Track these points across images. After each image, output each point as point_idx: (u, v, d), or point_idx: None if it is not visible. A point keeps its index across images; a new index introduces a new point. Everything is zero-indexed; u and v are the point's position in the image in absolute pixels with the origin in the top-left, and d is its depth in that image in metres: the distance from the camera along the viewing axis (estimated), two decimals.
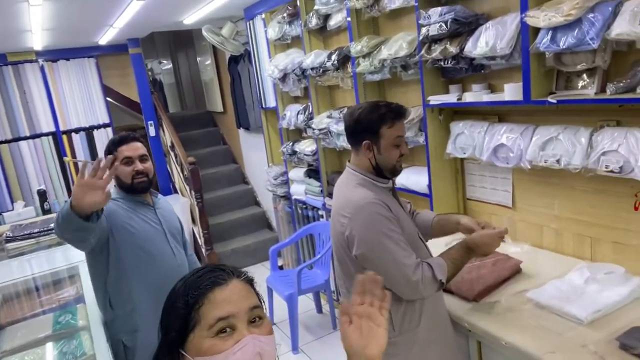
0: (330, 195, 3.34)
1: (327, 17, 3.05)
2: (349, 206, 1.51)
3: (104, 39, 4.93)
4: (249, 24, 4.05)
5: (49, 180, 5.27)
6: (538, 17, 1.65)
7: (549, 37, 1.64)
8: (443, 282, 1.47)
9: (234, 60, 4.97)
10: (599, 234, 1.91)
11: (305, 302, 3.80)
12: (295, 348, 3.25)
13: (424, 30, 2.18)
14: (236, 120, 5.29)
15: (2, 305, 2.57)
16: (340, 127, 2.81)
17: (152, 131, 5.44)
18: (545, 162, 1.86)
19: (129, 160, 1.91)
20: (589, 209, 1.92)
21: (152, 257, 1.93)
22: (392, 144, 1.55)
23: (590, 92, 1.69)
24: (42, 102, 5.19)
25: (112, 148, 1.93)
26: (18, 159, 5.15)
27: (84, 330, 1.97)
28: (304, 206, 3.84)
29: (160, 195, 2.14)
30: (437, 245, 1.85)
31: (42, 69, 5.15)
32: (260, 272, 4.55)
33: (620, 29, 1.46)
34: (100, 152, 5.50)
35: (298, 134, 3.89)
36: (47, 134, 5.25)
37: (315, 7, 3.03)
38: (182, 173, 5.05)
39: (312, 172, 3.61)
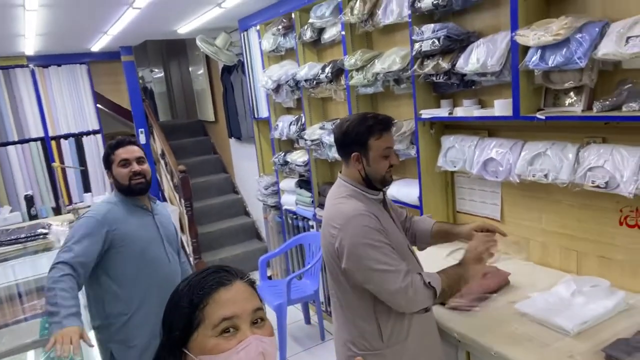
0: (321, 205, 3.36)
1: (321, 30, 3.10)
2: (339, 217, 1.52)
3: (96, 46, 4.93)
4: (244, 35, 4.09)
5: (36, 186, 5.22)
6: (528, 36, 1.70)
7: (538, 55, 1.69)
8: (436, 291, 1.47)
9: (227, 70, 5.00)
10: (585, 248, 1.95)
11: (294, 313, 3.79)
12: (282, 359, 3.23)
13: (416, 45, 2.23)
14: (228, 130, 5.30)
15: None
16: (332, 138, 2.84)
17: (142, 139, 5.42)
18: (533, 177, 1.90)
19: (126, 163, 1.93)
20: (575, 223, 1.97)
21: (150, 264, 1.94)
22: (380, 155, 1.56)
23: (578, 109, 1.75)
24: (31, 107, 5.16)
25: (109, 152, 1.96)
26: (5, 164, 5.09)
27: None
28: (295, 216, 3.85)
29: (158, 202, 2.15)
30: (433, 258, 1.87)
31: (32, 74, 5.13)
32: None
33: (607, 49, 1.52)
34: (89, 158, 5.48)
35: (290, 144, 3.91)
36: (35, 139, 5.22)
37: (310, 21, 3.07)
38: (172, 181, 5.04)
39: (304, 183, 3.63)
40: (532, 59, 1.71)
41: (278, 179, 3.97)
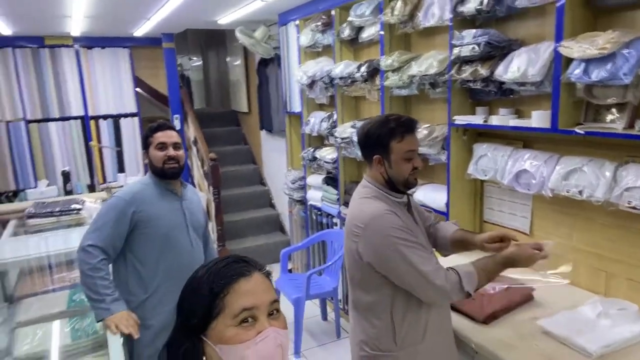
0: (346, 204, 3.36)
1: (360, 29, 3.09)
2: (363, 217, 1.52)
3: (139, 31, 5.06)
4: (282, 29, 4.12)
5: (73, 163, 5.39)
6: (572, 48, 1.66)
7: (581, 68, 1.65)
8: (470, 293, 1.45)
9: (264, 63, 5.04)
10: (615, 269, 1.89)
11: (312, 308, 3.81)
12: (297, 352, 3.26)
13: (456, 50, 2.20)
14: (260, 121, 5.36)
15: (19, 279, 2.65)
16: None
17: (177, 125, 5.53)
18: (567, 192, 1.85)
19: (162, 146, 1.99)
20: (607, 243, 1.91)
21: (172, 247, 1.99)
22: (402, 158, 1.54)
23: (619, 126, 1.69)
24: (74, 87, 5.33)
25: (149, 134, 2.03)
26: (46, 139, 5.28)
27: None
28: (319, 212, 3.87)
29: (189, 187, 2.19)
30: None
31: (77, 54, 5.30)
32: None
33: None
34: (126, 140, 5.63)
35: (320, 140, 3.92)
36: (75, 118, 5.38)
37: (349, 19, 3.07)
38: (202, 168, 5.13)
39: (331, 180, 3.64)
40: (575, 72, 1.66)
41: (305, 174, 3.99)
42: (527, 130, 2.00)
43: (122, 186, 3.88)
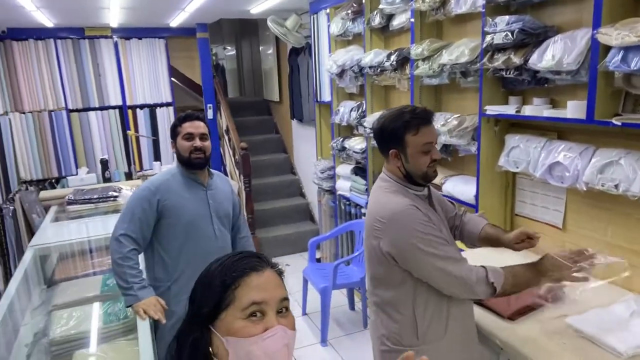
0: None
1: (390, 16, 3.04)
2: (384, 212, 1.50)
3: (174, 22, 5.15)
4: (313, 18, 4.10)
5: (111, 151, 5.58)
6: (610, 35, 1.57)
7: (620, 56, 1.56)
8: (496, 290, 1.43)
9: (295, 52, 5.04)
10: None
11: (339, 297, 3.83)
12: (324, 340, 3.29)
13: (488, 38, 2.13)
14: (290, 111, 5.38)
15: (58, 263, 2.78)
16: None
17: (210, 114, 5.62)
18: (602, 186, 1.78)
19: (190, 137, 2.03)
20: None
21: (195, 236, 2.03)
22: (419, 152, 1.50)
23: None
24: (112, 77, 5.50)
25: (177, 123, 2.07)
26: (86, 128, 5.48)
27: None
28: (348, 202, 3.87)
29: (219, 176, 2.21)
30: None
31: (115, 45, 5.44)
32: (298, 262, 4.63)
33: None
34: (162, 129, 5.77)
35: (349, 130, 3.90)
36: (114, 107, 5.55)
37: (380, 6, 3.02)
38: (234, 157, 5.21)
39: (359, 170, 3.62)
40: (613, 60, 1.58)
41: (335, 164, 3.99)
42: (562, 121, 1.93)
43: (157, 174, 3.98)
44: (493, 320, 1.73)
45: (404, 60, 2.86)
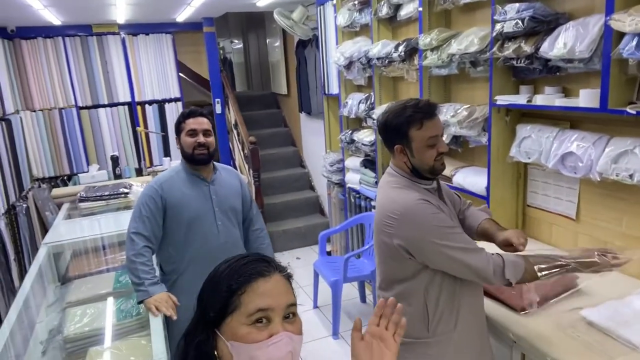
0: None
1: (398, 6, 3.00)
2: (396, 208, 1.48)
3: (181, 17, 5.14)
4: (320, 9, 4.06)
5: (122, 147, 5.62)
6: (624, 21, 1.53)
7: (634, 43, 1.52)
8: (511, 283, 1.42)
9: (302, 44, 5.01)
10: None
11: (350, 290, 3.83)
12: (335, 333, 3.30)
13: (498, 26, 2.09)
14: (299, 104, 5.36)
15: (71, 260, 2.81)
16: None
17: (218, 108, 5.63)
18: (616, 176, 1.74)
19: (193, 133, 2.04)
20: None
21: (197, 232, 2.06)
22: (425, 146, 1.48)
23: None
24: (121, 73, 5.52)
25: (181, 120, 2.08)
26: (96, 125, 5.52)
27: None
28: (357, 195, 3.85)
29: (224, 171, 2.21)
30: None
31: (123, 41, 5.46)
32: (308, 256, 4.64)
33: None
34: (170, 125, 5.79)
35: (358, 123, 3.88)
36: (123, 104, 5.58)
37: None
38: (243, 151, 5.21)
39: (368, 163, 3.60)
40: (627, 47, 1.54)
41: (344, 157, 3.97)
42: (575, 110, 1.89)
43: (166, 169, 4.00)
44: (506, 313, 1.71)
45: (412, 51, 2.83)
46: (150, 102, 5.69)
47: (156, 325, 1.76)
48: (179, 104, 5.80)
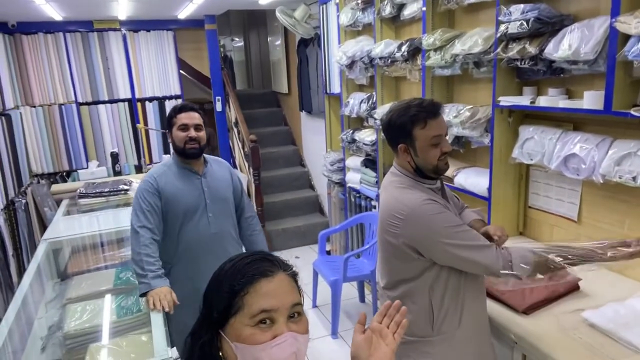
0: None
1: (401, 6, 2.99)
2: (401, 208, 1.48)
3: (183, 14, 5.12)
4: (322, 8, 4.06)
5: (121, 144, 5.60)
6: (630, 24, 1.53)
7: (639, 45, 1.52)
8: (521, 278, 1.43)
9: (304, 43, 5.00)
10: None
11: (349, 290, 3.83)
12: (334, 333, 3.30)
13: (502, 27, 2.09)
14: (299, 102, 5.35)
15: (71, 256, 2.80)
16: None
17: (218, 106, 5.62)
18: (619, 178, 1.74)
19: (184, 127, 2.07)
20: None
21: (189, 224, 2.09)
22: (429, 145, 1.48)
23: None
24: (121, 70, 5.49)
25: (172, 114, 2.11)
26: (96, 121, 5.50)
27: None
28: (358, 195, 3.85)
29: (215, 163, 2.24)
30: None
31: (124, 38, 5.44)
32: (307, 255, 4.64)
33: None
34: None
35: (359, 122, 3.87)
36: (123, 100, 5.55)
37: None
38: (243, 149, 5.20)
39: (369, 162, 3.60)
40: (632, 49, 1.54)
41: (344, 156, 3.97)
42: (578, 111, 1.89)
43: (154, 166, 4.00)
44: (507, 314, 1.71)
45: (415, 51, 2.82)
46: (151, 99, 5.67)
47: (157, 321, 1.75)
48: (179, 101, 5.78)
